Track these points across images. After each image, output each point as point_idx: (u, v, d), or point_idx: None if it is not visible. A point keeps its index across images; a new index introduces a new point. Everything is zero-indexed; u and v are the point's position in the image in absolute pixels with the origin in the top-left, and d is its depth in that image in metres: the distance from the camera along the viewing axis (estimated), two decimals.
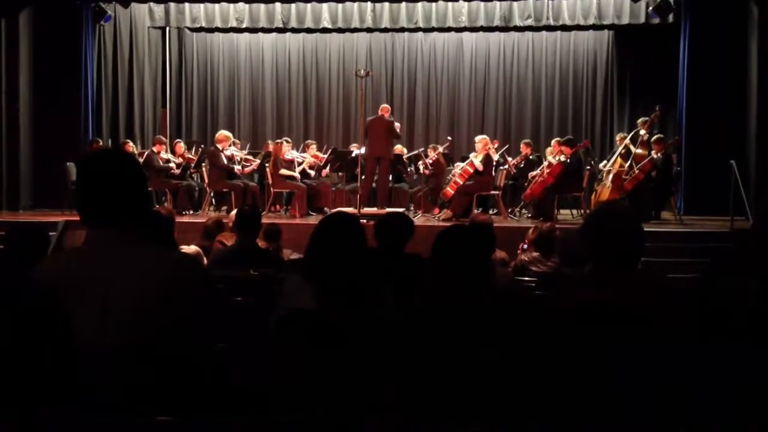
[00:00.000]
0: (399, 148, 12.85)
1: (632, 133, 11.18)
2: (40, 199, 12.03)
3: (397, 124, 11.62)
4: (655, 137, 10.70)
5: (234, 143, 11.86)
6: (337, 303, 2.82)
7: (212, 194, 11.56)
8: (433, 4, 13.00)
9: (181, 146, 12.03)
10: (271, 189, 11.16)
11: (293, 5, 13.14)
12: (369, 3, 13.10)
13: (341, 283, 2.88)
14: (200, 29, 14.21)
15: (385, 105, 11.39)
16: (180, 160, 11.65)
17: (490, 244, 4.74)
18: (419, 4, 13.02)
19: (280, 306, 2.92)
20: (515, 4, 12.83)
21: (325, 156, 12.00)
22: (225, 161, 11.04)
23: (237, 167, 11.24)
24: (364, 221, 4.61)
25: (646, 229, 2.77)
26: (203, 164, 11.62)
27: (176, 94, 15.31)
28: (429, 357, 2.37)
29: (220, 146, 11.11)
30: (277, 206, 11.69)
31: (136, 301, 1.94)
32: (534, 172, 11.16)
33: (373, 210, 10.58)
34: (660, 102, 11.52)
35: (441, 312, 2.63)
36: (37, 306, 1.41)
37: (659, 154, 10.43)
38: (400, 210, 9.98)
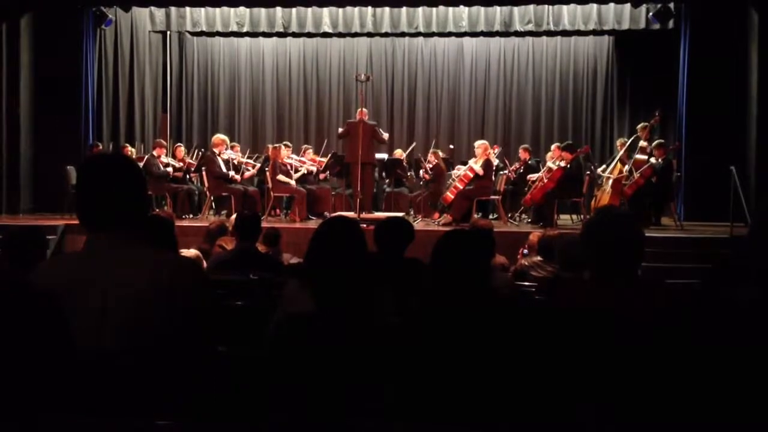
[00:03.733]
0: (399, 153, 12.87)
1: (632, 138, 11.19)
2: (41, 202, 12.03)
3: (386, 135, 11.62)
4: (655, 143, 10.70)
5: (233, 147, 11.86)
6: (336, 307, 2.81)
7: (212, 198, 11.56)
8: (434, 8, 13.02)
9: (181, 150, 12.03)
10: (271, 193, 11.16)
11: (294, 10, 13.16)
12: (370, 8, 13.11)
13: (341, 288, 2.87)
14: (201, 33, 14.23)
15: (363, 109, 11.33)
16: (181, 164, 11.66)
17: (490, 248, 4.74)
18: (420, 9, 13.04)
19: (280, 310, 2.92)
20: (516, 9, 12.84)
21: (325, 160, 12.01)
22: (221, 166, 11.02)
23: (232, 173, 11.20)
24: (364, 226, 4.61)
25: (645, 235, 2.77)
26: (203, 168, 11.63)
27: (177, 98, 15.32)
28: (428, 361, 2.37)
29: (216, 150, 11.11)
30: (277, 210, 11.70)
31: (135, 303, 1.94)
32: (534, 175, 11.17)
33: (373, 215, 10.57)
34: (660, 107, 11.54)
35: (440, 317, 2.63)
36: (36, 309, 1.41)
37: (659, 160, 10.43)
38: (400, 215, 9.98)
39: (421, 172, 11.86)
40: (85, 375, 1.77)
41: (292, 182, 11.19)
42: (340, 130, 12.05)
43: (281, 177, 11.09)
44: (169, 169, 11.38)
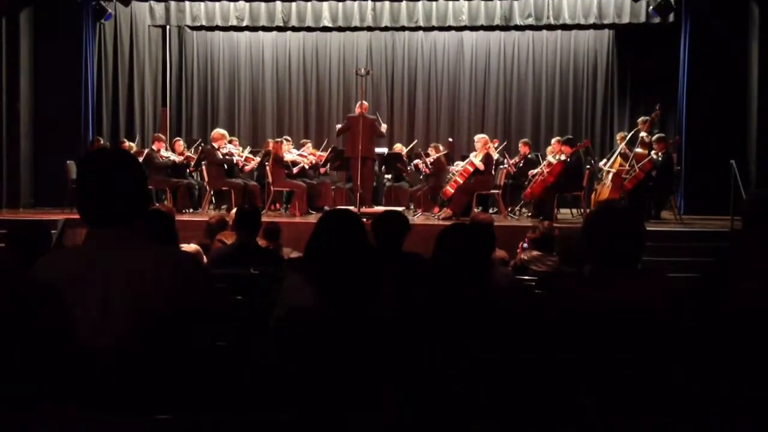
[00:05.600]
0: (399, 147, 12.87)
1: (632, 132, 11.18)
2: (41, 197, 12.03)
3: (384, 127, 11.64)
4: (655, 136, 10.69)
5: (231, 141, 11.87)
6: (336, 301, 2.81)
7: (212, 193, 11.56)
8: (434, 3, 13.00)
9: (180, 144, 12.03)
10: (271, 188, 11.16)
11: (294, 4, 13.13)
12: (369, 2, 13.10)
13: (341, 281, 2.87)
14: (201, 28, 14.19)
15: (364, 102, 11.34)
16: (181, 157, 11.67)
17: (490, 242, 4.74)
18: (420, 3, 13.01)
19: (280, 304, 2.92)
20: (516, 3, 12.82)
21: (325, 154, 12.02)
22: (221, 157, 11.07)
23: (236, 157, 11.30)
24: (364, 220, 4.61)
25: (646, 229, 2.77)
26: (203, 163, 11.63)
27: (176, 92, 15.32)
28: (429, 356, 2.37)
29: (216, 144, 11.13)
30: (277, 205, 11.69)
31: (135, 299, 1.94)
32: (534, 170, 11.17)
33: (374, 209, 10.57)
34: (660, 101, 11.52)
35: (441, 311, 2.63)
36: (36, 303, 1.41)
37: (660, 154, 10.43)
38: (400, 209, 9.98)
39: (421, 166, 11.86)
40: (85, 369, 1.78)
41: (304, 162, 11.26)
42: (339, 126, 12.08)
43: (292, 157, 11.18)
44: (173, 158, 11.43)
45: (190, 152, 12.18)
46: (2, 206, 11.78)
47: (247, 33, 15.11)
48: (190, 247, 5.17)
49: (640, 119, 11.36)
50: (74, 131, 12.19)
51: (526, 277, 4.95)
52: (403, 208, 11.33)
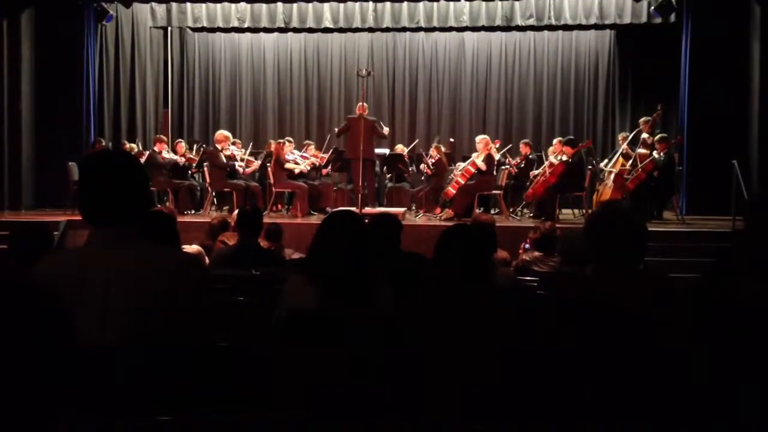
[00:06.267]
0: (400, 148, 12.87)
1: (633, 132, 11.17)
2: (42, 198, 12.04)
3: (386, 130, 11.65)
4: (657, 137, 10.68)
5: (235, 143, 11.88)
6: (338, 302, 2.82)
7: (214, 194, 11.57)
8: (435, 3, 13.00)
9: (182, 146, 12.04)
10: (273, 189, 11.17)
11: (295, 5, 13.15)
12: (371, 3, 13.11)
13: (343, 282, 2.87)
14: (202, 29, 14.22)
15: (364, 103, 11.35)
16: (183, 159, 11.69)
17: (492, 243, 4.75)
18: (421, 4, 13.02)
19: (281, 306, 2.92)
20: (517, 3, 12.83)
21: (326, 156, 12.03)
22: (224, 160, 11.08)
23: (238, 163, 11.30)
24: (366, 221, 4.62)
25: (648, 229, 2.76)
26: (204, 164, 11.64)
27: (178, 94, 15.32)
28: (430, 356, 2.38)
29: (219, 146, 11.14)
30: (279, 206, 11.70)
31: (137, 300, 1.95)
32: (535, 171, 11.16)
33: (376, 210, 10.58)
34: (662, 101, 11.50)
35: (442, 311, 2.63)
36: (36, 305, 1.42)
37: (662, 154, 10.42)
38: (401, 210, 9.99)
39: (423, 166, 11.86)
40: (86, 370, 1.78)
41: (301, 166, 11.26)
42: (336, 129, 12.12)
43: (290, 165, 11.16)
44: (176, 158, 11.46)
45: (191, 153, 12.19)
46: (4, 208, 11.79)
47: (248, 34, 15.12)
48: (192, 248, 5.18)
49: (642, 119, 11.35)
50: (76, 133, 12.21)
51: (528, 278, 4.95)
52: (405, 209, 11.33)
